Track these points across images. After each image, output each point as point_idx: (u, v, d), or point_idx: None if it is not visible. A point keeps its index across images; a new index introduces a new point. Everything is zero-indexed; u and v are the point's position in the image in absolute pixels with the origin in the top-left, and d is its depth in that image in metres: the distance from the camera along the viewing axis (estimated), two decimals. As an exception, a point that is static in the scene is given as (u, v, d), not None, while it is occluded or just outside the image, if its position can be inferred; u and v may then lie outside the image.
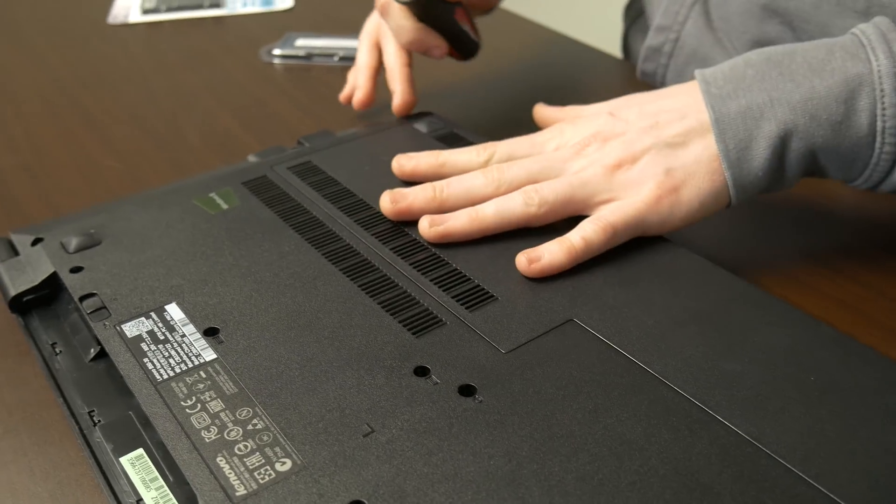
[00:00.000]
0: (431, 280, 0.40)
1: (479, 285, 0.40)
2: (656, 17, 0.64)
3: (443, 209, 0.44)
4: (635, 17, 0.77)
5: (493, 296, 0.39)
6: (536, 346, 0.36)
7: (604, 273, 0.40)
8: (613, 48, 0.80)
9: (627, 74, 0.70)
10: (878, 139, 0.41)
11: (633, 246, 0.42)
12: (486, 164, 0.47)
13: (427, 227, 0.43)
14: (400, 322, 0.37)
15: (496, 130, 0.59)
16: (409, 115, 0.56)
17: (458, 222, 0.43)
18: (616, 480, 0.30)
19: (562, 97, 0.65)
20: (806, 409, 0.33)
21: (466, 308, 0.38)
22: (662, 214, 0.42)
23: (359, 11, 0.84)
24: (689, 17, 0.62)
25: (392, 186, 0.48)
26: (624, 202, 0.42)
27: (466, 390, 0.34)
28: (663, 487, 0.29)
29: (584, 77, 0.70)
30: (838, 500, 0.29)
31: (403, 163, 0.48)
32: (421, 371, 0.35)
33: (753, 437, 0.31)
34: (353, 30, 0.78)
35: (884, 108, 0.40)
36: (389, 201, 0.44)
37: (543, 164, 0.45)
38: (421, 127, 0.54)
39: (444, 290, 0.39)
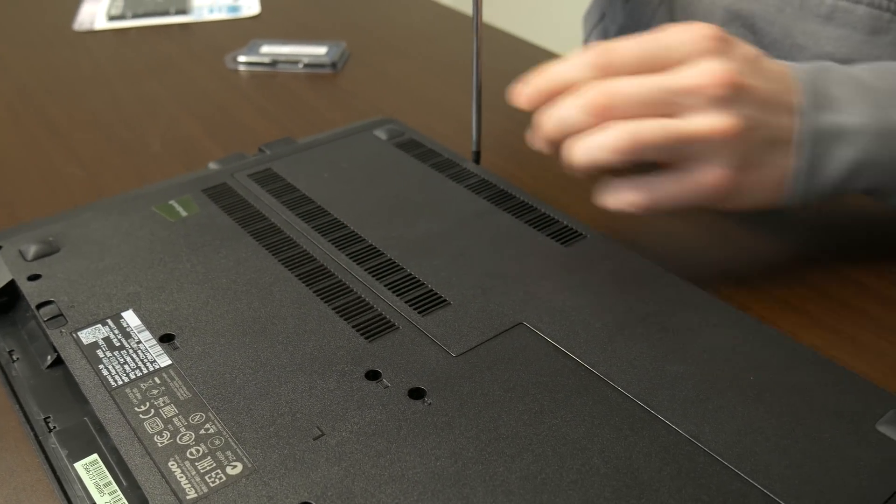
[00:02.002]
0: (386, 285, 0.41)
1: (431, 290, 0.40)
2: (620, 17, 0.65)
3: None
4: (594, 24, 0.78)
5: (445, 300, 0.40)
6: (486, 349, 0.37)
7: (554, 278, 0.41)
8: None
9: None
10: None
11: (585, 252, 0.43)
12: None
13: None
14: (353, 327, 0.38)
15: (458, 138, 0.60)
16: (370, 122, 0.57)
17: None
18: (558, 479, 0.31)
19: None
20: (744, 409, 0.34)
21: (419, 313, 0.39)
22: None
23: (325, 18, 0.85)
24: (654, 19, 0.64)
25: (351, 193, 0.48)
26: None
27: (416, 393, 0.35)
28: (604, 485, 0.30)
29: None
30: (771, 496, 0.30)
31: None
32: (372, 375, 0.36)
33: (693, 435, 0.32)
34: (319, 36, 0.79)
35: None
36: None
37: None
38: (381, 134, 0.55)
39: (398, 295, 0.40)
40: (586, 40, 0.80)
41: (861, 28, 0.54)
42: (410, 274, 0.42)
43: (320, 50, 0.75)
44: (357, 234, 0.45)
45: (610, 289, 0.41)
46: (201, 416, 0.34)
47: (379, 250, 0.43)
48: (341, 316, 0.39)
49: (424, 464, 0.31)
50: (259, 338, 0.37)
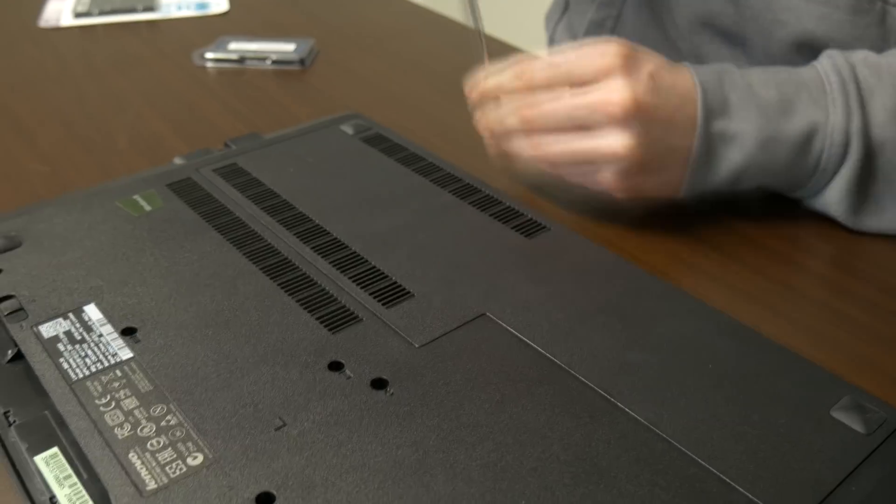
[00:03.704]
0: (350, 278, 0.41)
1: (396, 282, 0.41)
2: (591, 10, 0.66)
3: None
4: (558, 18, 0.79)
5: (409, 292, 0.40)
6: (449, 339, 0.37)
7: (518, 269, 0.42)
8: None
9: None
10: (817, 175, 0.47)
11: (548, 244, 0.44)
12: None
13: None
14: (317, 319, 0.38)
15: (424, 132, 0.60)
16: (336, 117, 0.57)
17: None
18: (518, 466, 0.31)
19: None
20: (702, 396, 0.34)
21: (383, 304, 0.39)
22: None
23: (294, 15, 0.85)
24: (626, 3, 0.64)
25: (316, 187, 0.48)
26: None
27: (379, 384, 0.35)
28: (563, 472, 0.31)
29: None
30: (727, 480, 0.30)
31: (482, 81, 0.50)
32: (335, 366, 0.36)
33: (651, 422, 0.33)
34: (288, 33, 0.79)
35: (829, 155, 0.46)
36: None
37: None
38: (347, 129, 0.55)
39: (362, 288, 0.40)
40: (551, 38, 0.81)
41: (843, 7, 0.54)
42: (374, 266, 0.42)
43: (289, 47, 0.74)
44: (322, 227, 0.45)
45: (572, 280, 0.41)
46: (162, 408, 0.34)
47: (343, 243, 0.44)
48: (305, 308, 0.39)
49: (386, 453, 0.31)
50: (222, 330, 0.37)
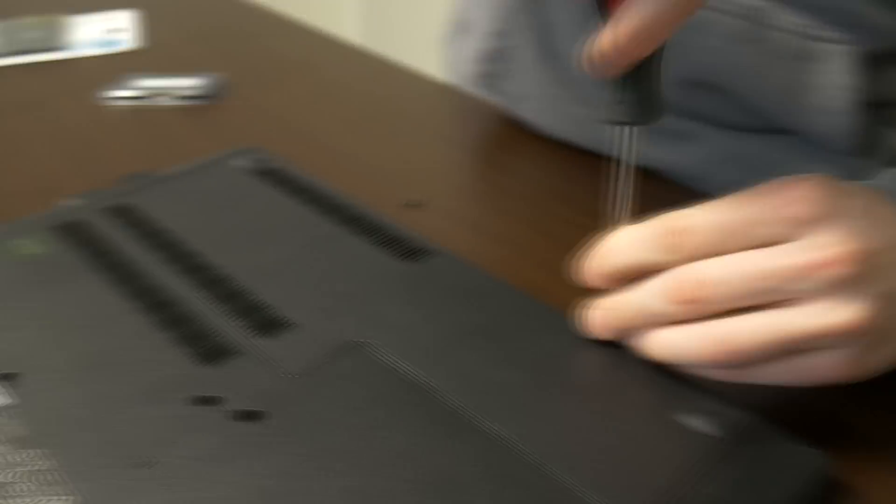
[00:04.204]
0: (232, 311, 0.42)
1: (276, 314, 0.41)
2: (493, 21, 0.67)
3: None
4: (458, 35, 0.80)
5: (288, 322, 0.41)
6: (325, 368, 0.38)
7: (397, 295, 0.43)
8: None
9: (456, 99, 0.74)
10: None
11: (428, 269, 0.45)
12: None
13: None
14: (195, 353, 0.39)
15: (327, 163, 0.61)
16: (233, 152, 0.58)
17: None
18: (381, 490, 0.32)
19: (393, 127, 0.68)
20: (564, 410, 0.35)
21: (263, 336, 0.40)
22: None
23: (205, 50, 0.86)
24: (526, 25, 0.65)
25: (205, 222, 0.49)
26: None
27: (252, 416, 0.35)
28: (424, 492, 0.32)
29: (418, 105, 0.73)
30: (581, 489, 0.32)
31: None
32: (209, 400, 0.36)
33: (511, 439, 0.34)
34: (199, 69, 0.79)
35: None
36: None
37: None
38: (243, 163, 0.56)
39: (242, 320, 0.41)
40: (451, 48, 0.81)
41: (725, 37, 0.56)
42: (258, 298, 0.43)
43: (195, 82, 0.75)
44: (207, 262, 0.45)
45: (449, 303, 0.42)
46: (35, 452, 0.34)
47: (227, 277, 0.44)
48: (183, 344, 0.39)
49: (251, 484, 0.32)
50: (97, 372, 0.38)
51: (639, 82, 0.35)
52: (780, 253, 0.32)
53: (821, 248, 0.31)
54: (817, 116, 0.57)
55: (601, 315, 0.37)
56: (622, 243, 0.35)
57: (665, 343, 0.35)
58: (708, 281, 0.32)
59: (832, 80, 0.55)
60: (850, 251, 0.31)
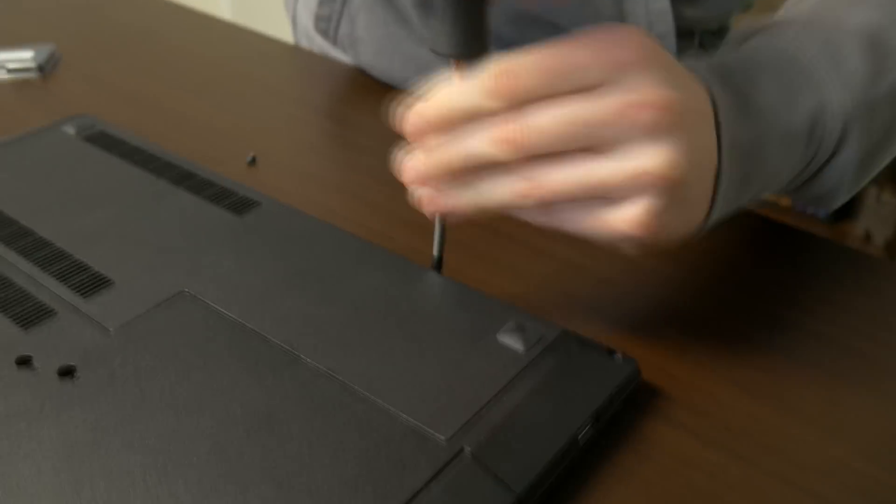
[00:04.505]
0: (51, 274, 0.41)
1: (97, 272, 0.41)
2: None
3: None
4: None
5: (109, 280, 0.40)
6: (144, 320, 0.38)
7: (223, 246, 0.43)
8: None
9: (294, 56, 0.73)
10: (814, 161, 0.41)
11: (258, 219, 0.45)
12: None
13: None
14: (10, 317, 0.38)
15: (162, 128, 0.60)
16: (60, 120, 0.56)
17: None
18: (194, 431, 0.32)
19: (237, 89, 0.67)
20: (382, 339, 0.36)
21: (82, 296, 0.39)
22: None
23: (35, 22, 0.82)
24: None
25: (29, 190, 0.48)
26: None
27: (66, 372, 0.35)
28: (238, 428, 0.32)
29: (259, 64, 0.72)
30: (393, 410, 0.33)
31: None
32: (23, 361, 0.35)
33: (331, 370, 0.35)
34: (30, 40, 0.76)
35: (831, 130, 0.40)
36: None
37: None
38: (69, 130, 0.54)
39: (62, 282, 0.40)
40: (293, 19, 0.81)
41: None
42: (78, 260, 0.42)
43: (26, 54, 0.72)
44: (28, 228, 0.44)
45: (276, 250, 0.42)
46: None
47: (48, 241, 0.43)
48: (0, 310, 0.38)
49: (62, 437, 0.32)
50: None
51: (464, 14, 0.34)
52: (596, 97, 0.32)
53: (634, 91, 0.32)
54: None
55: (421, 159, 0.35)
56: (449, 90, 0.34)
57: (481, 187, 0.35)
58: (529, 123, 0.32)
59: (650, 7, 0.58)
60: (661, 97, 0.32)
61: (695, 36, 0.65)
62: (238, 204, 0.46)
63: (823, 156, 0.41)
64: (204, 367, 0.35)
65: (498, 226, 0.49)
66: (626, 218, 0.33)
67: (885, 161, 0.45)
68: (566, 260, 0.45)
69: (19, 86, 0.69)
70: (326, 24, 0.70)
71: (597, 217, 0.34)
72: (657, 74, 0.32)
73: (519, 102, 0.33)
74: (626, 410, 0.35)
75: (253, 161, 0.55)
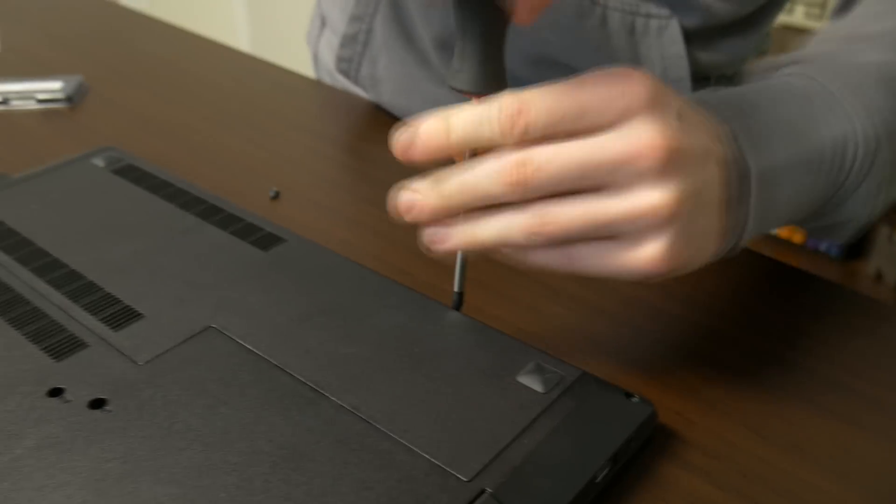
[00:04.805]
0: (82, 306, 0.42)
1: (127, 305, 0.42)
2: (351, 6, 0.69)
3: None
4: (318, 35, 0.81)
5: (139, 313, 0.41)
6: (173, 354, 0.39)
7: (249, 281, 0.44)
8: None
9: (316, 91, 0.75)
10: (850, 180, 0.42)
11: (283, 255, 0.46)
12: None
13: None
14: (43, 349, 0.39)
15: (188, 159, 0.61)
16: (89, 152, 0.57)
17: None
18: (221, 464, 0.33)
19: (258, 122, 0.69)
20: (404, 378, 0.37)
21: (112, 328, 0.40)
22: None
23: (66, 53, 0.84)
24: (379, 8, 0.67)
25: (59, 222, 0.49)
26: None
27: (97, 403, 0.36)
28: (264, 462, 0.33)
29: (283, 99, 0.74)
30: (413, 448, 0.33)
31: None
32: (55, 392, 0.36)
33: (354, 407, 0.35)
34: (59, 71, 0.78)
35: (863, 156, 0.41)
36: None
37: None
38: (98, 162, 0.56)
39: (92, 314, 0.41)
40: (315, 56, 0.83)
41: (569, 13, 0.59)
42: (108, 293, 0.43)
43: (55, 85, 0.74)
44: (60, 260, 0.45)
45: (300, 286, 0.43)
46: None
47: (80, 274, 0.44)
48: (31, 340, 0.39)
49: (93, 468, 0.33)
50: (-59, 371, 0.38)
51: (484, 51, 0.36)
52: (602, 142, 0.34)
53: (637, 139, 0.33)
54: None
55: (424, 192, 0.36)
56: (456, 119, 0.35)
57: (488, 223, 0.36)
58: (536, 164, 0.34)
59: (666, 51, 0.59)
60: (662, 145, 0.33)
61: (710, 80, 0.66)
62: (263, 239, 0.47)
63: (853, 185, 0.42)
64: (231, 402, 0.36)
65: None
66: (636, 254, 0.35)
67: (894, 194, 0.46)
68: (585, 301, 0.46)
69: (48, 115, 0.71)
70: (348, 65, 0.71)
71: (613, 257, 0.36)
72: (663, 118, 0.34)
73: (528, 139, 0.34)
74: (643, 452, 0.36)
75: (276, 196, 0.56)
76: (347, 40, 0.70)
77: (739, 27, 0.63)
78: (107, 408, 0.36)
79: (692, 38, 0.61)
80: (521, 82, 0.49)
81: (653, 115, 0.34)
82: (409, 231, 0.52)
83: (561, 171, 0.34)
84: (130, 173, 0.55)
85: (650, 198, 0.34)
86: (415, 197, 0.36)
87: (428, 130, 0.35)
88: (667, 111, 0.34)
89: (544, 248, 0.36)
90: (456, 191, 0.35)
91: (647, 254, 0.35)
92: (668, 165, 0.34)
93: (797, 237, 1.69)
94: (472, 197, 0.35)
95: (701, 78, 0.64)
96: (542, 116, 0.34)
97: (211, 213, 0.50)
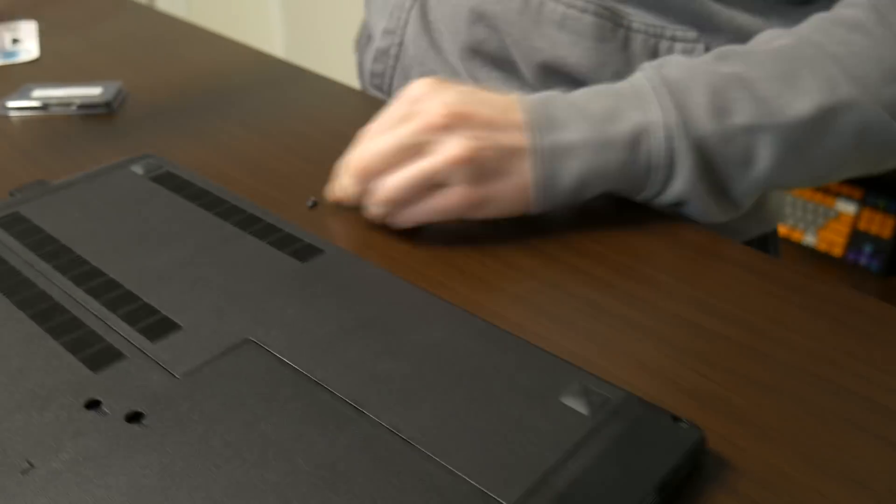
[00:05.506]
0: (120, 316, 0.42)
1: (165, 316, 0.41)
2: (384, 20, 0.69)
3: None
4: (365, 43, 0.81)
5: (176, 324, 0.41)
6: (211, 367, 0.38)
7: (287, 293, 0.43)
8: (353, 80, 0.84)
9: (357, 100, 0.74)
10: (652, 174, 0.51)
11: (322, 266, 0.45)
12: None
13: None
14: (80, 360, 0.39)
15: (225, 167, 0.61)
16: (128, 159, 0.57)
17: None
18: (261, 482, 0.32)
19: (298, 130, 0.68)
20: (445, 396, 0.36)
21: (150, 339, 0.40)
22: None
23: (106, 59, 0.85)
24: (409, 21, 0.67)
25: (99, 229, 0.49)
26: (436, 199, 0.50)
27: (134, 417, 0.35)
28: (302, 481, 0.32)
29: (323, 108, 0.73)
30: (455, 471, 0.32)
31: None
32: (92, 404, 0.36)
33: (394, 426, 0.35)
34: (99, 77, 0.78)
35: (657, 152, 0.50)
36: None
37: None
38: (137, 169, 0.56)
39: (130, 324, 0.41)
40: (360, 64, 0.83)
41: (588, 35, 0.58)
42: (146, 303, 0.43)
43: (95, 91, 0.74)
44: (98, 269, 0.45)
45: (339, 298, 0.43)
46: None
47: (118, 282, 0.44)
48: (69, 350, 0.39)
49: (131, 483, 0.32)
50: (-21, 380, 0.37)
51: None
52: (408, 121, 0.49)
53: (426, 112, 0.48)
54: None
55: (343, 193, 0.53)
56: (346, 165, 0.51)
57: (370, 203, 0.51)
58: (367, 154, 0.50)
59: None
60: (443, 110, 0.48)
61: None
62: (302, 250, 0.47)
63: (658, 170, 0.51)
64: (269, 418, 0.35)
65: (558, 280, 0.49)
66: (451, 196, 0.49)
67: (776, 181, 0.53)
68: (628, 319, 0.45)
69: (88, 122, 0.71)
70: (380, 80, 0.71)
71: (436, 201, 0.49)
72: (443, 94, 0.49)
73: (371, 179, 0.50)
74: (691, 480, 0.35)
75: (314, 205, 0.56)
76: (380, 54, 0.70)
77: None
78: (144, 422, 0.35)
79: None
80: (533, 90, 0.57)
81: (434, 94, 0.50)
82: (449, 245, 0.51)
83: (385, 149, 0.49)
84: (169, 181, 0.54)
85: (448, 148, 0.48)
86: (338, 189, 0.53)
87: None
88: (451, 90, 0.50)
89: (399, 210, 0.50)
90: (339, 189, 0.53)
91: (452, 193, 0.49)
92: (454, 124, 0.48)
93: (836, 249, 1.67)
94: (348, 192, 0.52)
95: None
96: (375, 130, 0.51)
97: (249, 222, 0.49)
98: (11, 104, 0.72)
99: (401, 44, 0.68)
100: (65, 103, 0.73)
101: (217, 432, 0.34)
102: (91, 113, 0.72)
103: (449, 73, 0.67)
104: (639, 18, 0.58)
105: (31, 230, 0.49)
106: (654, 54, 0.58)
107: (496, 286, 0.48)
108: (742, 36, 0.58)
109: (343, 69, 0.85)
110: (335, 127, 0.69)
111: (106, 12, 0.99)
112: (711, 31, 0.58)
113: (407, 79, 0.69)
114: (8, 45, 0.88)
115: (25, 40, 0.90)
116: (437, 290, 0.46)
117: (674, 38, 0.58)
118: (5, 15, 0.97)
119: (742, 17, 0.57)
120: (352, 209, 0.56)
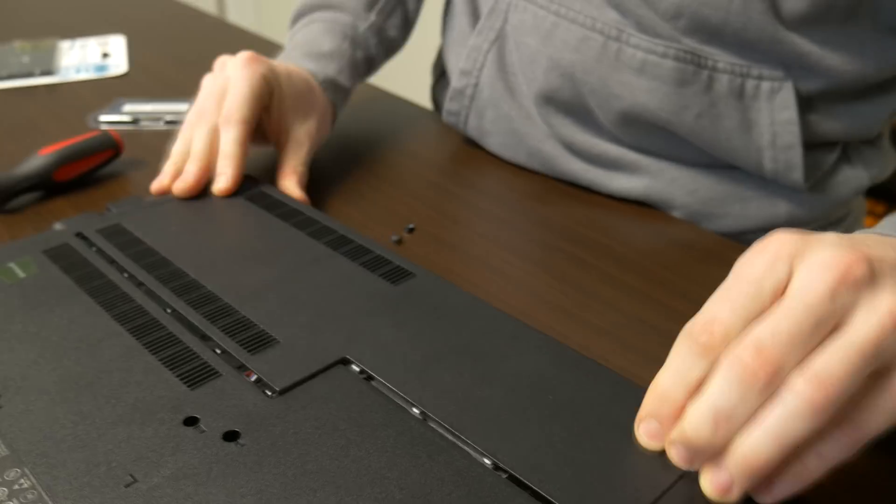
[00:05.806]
0: (218, 331, 0.42)
1: (262, 330, 0.42)
2: (461, 61, 0.69)
3: None
4: (441, 71, 0.82)
5: (274, 339, 0.41)
6: (306, 387, 0.38)
7: (381, 315, 0.43)
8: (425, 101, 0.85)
9: (437, 124, 0.75)
10: None
11: (413, 290, 0.45)
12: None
13: None
14: (178, 376, 0.39)
15: (315, 188, 0.62)
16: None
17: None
18: (357, 507, 0.32)
19: (377, 148, 0.69)
20: (540, 426, 0.36)
21: (248, 355, 0.40)
22: None
23: (194, 73, 0.87)
24: (486, 64, 0.67)
25: (197, 244, 0.50)
26: None
27: (231, 436, 0.36)
28: (399, 510, 0.32)
29: (398, 127, 0.74)
30: (554, 502, 0.32)
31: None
32: (190, 421, 0.37)
33: (490, 454, 0.34)
34: (187, 93, 0.80)
35: None
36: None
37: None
38: (232, 187, 0.57)
39: (228, 340, 0.42)
40: (434, 86, 0.83)
41: (669, 80, 0.58)
42: (243, 317, 0.43)
43: (183, 107, 0.76)
44: (196, 281, 0.46)
45: (431, 323, 0.43)
46: (16, 472, 0.34)
47: (216, 295, 0.45)
48: (167, 366, 0.40)
49: (228, 502, 0.33)
50: (83, 393, 0.38)
51: None
52: (796, 293, 0.31)
53: (822, 269, 0.31)
54: (762, 152, 0.58)
55: (679, 441, 0.33)
56: (664, 383, 0.33)
57: (759, 435, 0.31)
58: (766, 343, 0.30)
59: (776, 117, 0.57)
60: (846, 260, 0.31)
61: (837, 146, 0.63)
62: (393, 273, 0.47)
63: None
64: (363, 443, 0.35)
65: (635, 311, 0.48)
66: None
67: None
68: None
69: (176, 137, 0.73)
70: (456, 119, 0.71)
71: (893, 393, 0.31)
72: (828, 247, 0.32)
73: (727, 342, 0.32)
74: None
75: (412, 231, 0.56)
76: (456, 94, 0.70)
77: (864, 92, 0.59)
78: (240, 441, 0.36)
79: (808, 102, 0.58)
80: (621, 143, 0.55)
81: (819, 247, 0.32)
82: (531, 273, 0.51)
83: (790, 332, 0.30)
84: (261, 199, 0.55)
85: (874, 312, 0.31)
86: (673, 448, 0.33)
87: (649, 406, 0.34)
88: (824, 240, 0.33)
89: (830, 434, 0.31)
90: (706, 421, 0.31)
91: None
92: (868, 273, 0.31)
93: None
94: (728, 419, 0.31)
95: (822, 144, 0.61)
96: (729, 315, 0.32)
97: (340, 243, 0.50)
98: (104, 118, 0.75)
99: (476, 85, 0.69)
100: (154, 118, 0.75)
101: (311, 456, 0.35)
102: (179, 129, 0.74)
103: (523, 118, 0.67)
104: (724, 59, 0.57)
105: (127, 243, 0.50)
106: (740, 94, 0.57)
107: (579, 317, 0.48)
108: (831, 78, 0.56)
109: (416, 88, 0.85)
110: (417, 151, 0.70)
111: (191, 28, 1.02)
112: (798, 70, 0.56)
113: (481, 118, 0.70)
114: (98, 59, 0.91)
115: (115, 55, 0.92)
116: (523, 319, 0.46)
117: (760, 77, 0.56)
118: (95, 29, 1.00)
119: (832, 58, 0.56)
120: (432, 236, 0.56)
